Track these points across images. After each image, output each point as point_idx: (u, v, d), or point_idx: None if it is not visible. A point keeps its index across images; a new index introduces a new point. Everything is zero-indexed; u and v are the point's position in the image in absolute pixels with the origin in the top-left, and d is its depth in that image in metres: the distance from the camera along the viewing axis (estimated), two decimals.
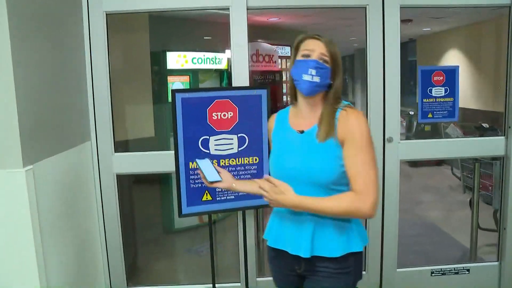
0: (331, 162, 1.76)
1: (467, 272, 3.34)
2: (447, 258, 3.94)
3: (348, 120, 1.76)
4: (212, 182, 2.06)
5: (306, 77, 1.77)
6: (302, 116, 1.87)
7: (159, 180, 4.60)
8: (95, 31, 2.94)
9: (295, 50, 1.87)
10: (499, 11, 3.58)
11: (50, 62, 2.50)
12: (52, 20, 2.55)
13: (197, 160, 2.17)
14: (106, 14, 2.95)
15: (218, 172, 2.08)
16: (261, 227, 3.40)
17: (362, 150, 1.73)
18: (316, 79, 1.76)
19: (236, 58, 3.02)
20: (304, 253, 1.80)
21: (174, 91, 2.73)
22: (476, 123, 5.57)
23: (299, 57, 1.83)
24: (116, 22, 3.66)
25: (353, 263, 1.84)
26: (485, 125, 5.35)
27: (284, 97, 6.43)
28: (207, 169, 2.11)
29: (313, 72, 1.76)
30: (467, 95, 6.88)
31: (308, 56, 1.80)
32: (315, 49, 1.80)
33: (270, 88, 5.80)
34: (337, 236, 1.80)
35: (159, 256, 4.15)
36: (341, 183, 1.77)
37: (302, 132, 1.84)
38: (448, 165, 6.15)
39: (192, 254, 4.23)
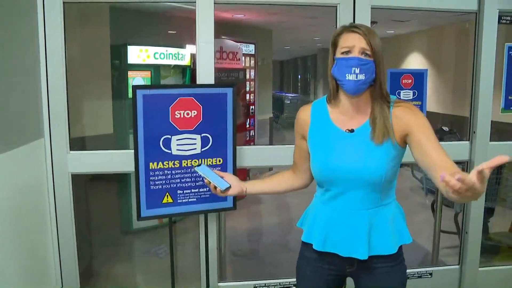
0: (389, 162, 1.70)
1: (429, 276, 3.34)
2: (410, 261, 3.94)
3: (409, 114, 1.69)
4: (225, 190, 1.92)
5: (351, 77, 1.65)
6: (348, 114, 1.75)
7: (117, 178, 4.43)
8: (51, 21, 2.74)
9: (333, 45, 1.73)
10: (460, 17, 3.60)
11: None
12: (2, 9, 2.35)
13: (196, 168, 2.00)
14: (64, 3, 2.76)
15: (222, 177, 1.96)
16: (223, 231, 3.29)
17: (435, 137, 1.67)
18: (361, 77, 1.64)
19: (202, 55, 2.89)
20: (362, 255, 1.73)
21: (135, 87, 2.59)
22: (436, 126, 5.65)
23: (338, 55, 1.69)
24: (75, 13, 3.49)
25: (402, 252, 1.85)
26: (445, 128, 5.43)
27: (247, 95, 6.36)
28: (212, 177, 1.94)
29: (357, 70, 1.64)
30: (427, 98, 6.99)
31: (348, 52, 1.67)
32: (355, 44, 1.65)
33: (237, 87, 5.79)
34: (391, 232, 1.76)
35: (116, 258, 3.99)
36: (392, 180, 1.76)
37: (352, 131, 1.73)
38: (408, 167, 6.21)
39: (150, 256, 4.09)
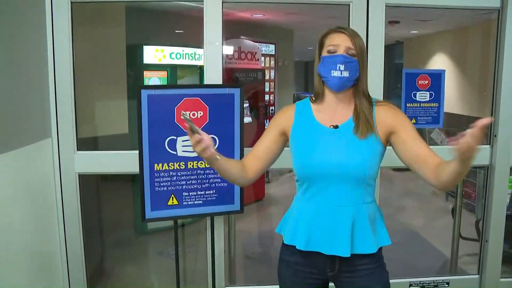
0: (373, 158, 1.73)
1: (446, 285, 3.21)
2: (428, 268, 3.81)
3: (391, 112, 1.77)
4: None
5: (336, 73, 1.71)
6: (331, 111, 1.80)
7: (132, 178, 4.42)
8: (59, 21, 2.74)
9: (320, 46, 1.79)
10: (486, 16, 3.46)
11: (7, 53, 2.31)
12: (11, 9, 2.35)
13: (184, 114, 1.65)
14: (72, 3, 2.75)
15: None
16: (233, 233, 3.23)
17: (417, 133, 1.75)
18: (346, 74, 1.71)
19: (210, 55, 2.84)
20: (344, 252, 1.72)
21: (139, 88, 2.57)
22: (461, 129, 5.44)
23: (325, 53, 1.75)
24: (90, 13, 3.50)
25: (382, 256, 1.85)
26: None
27: (266, 96, 6.28)
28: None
29: (342, 67, 1.70)
30: (453, 99, 6.79)
31: (334, 51, 1.73)
32: (340, 43, 1.72)
33: (252, 87, 5.74)
34: (371, 231, 1.76)
35: (128, 259, 3.98)
36: (374, 177, 1.78)
37: (336, 127, 1.77)
38: None
39: (163, 257, 4.06)
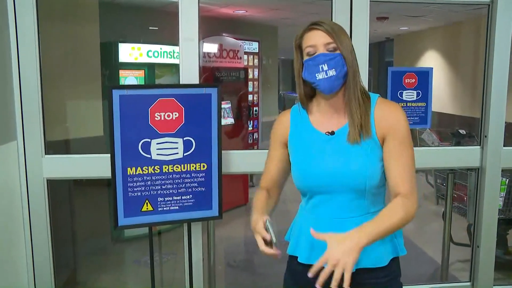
0: (373, 164, 1.58)
1: None
2: (417, 275, 3.68)
3: (390, 114, 1.60)
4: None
5: (321, 75, 1.55)
6: (327, 115, 1.65)
7: (108, 182, 4.24)
8: (23, 16, 2.56)
9: (298, 49, 1.63)
10: (478, 12, 3.35)
11: None
12: None
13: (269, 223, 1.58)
14: None
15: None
16: (212, 240, 3.07)
17: (406, 148, 1.57)
18: (332, 73, 1.54)
19: (185, 53, 2.69)
20: None
21: (110, 88, 2.40)
22: (453, 129, 5.35)
23: (305, 57, 1.60)
24: (61, 8, 3.33)
25: (397, 267, 1.69)
26: (462, 131, 5.11)
27: (250, 96, 6.12)
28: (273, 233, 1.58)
29: (325, 67, 1.54)
30: (444, 99, 6.68)
31: (314, 53, 1.57)
32: (317, 42, 1.56)
33: (234, 86, 5.57)
34: (382, 243, 1.60)
35: (103, 269, 3.80)
36: (380, 185, 1.63)
37: (332, 133, 1.62)
38: (423, 172, 5.93)
39: (141, 266, 3.89)
